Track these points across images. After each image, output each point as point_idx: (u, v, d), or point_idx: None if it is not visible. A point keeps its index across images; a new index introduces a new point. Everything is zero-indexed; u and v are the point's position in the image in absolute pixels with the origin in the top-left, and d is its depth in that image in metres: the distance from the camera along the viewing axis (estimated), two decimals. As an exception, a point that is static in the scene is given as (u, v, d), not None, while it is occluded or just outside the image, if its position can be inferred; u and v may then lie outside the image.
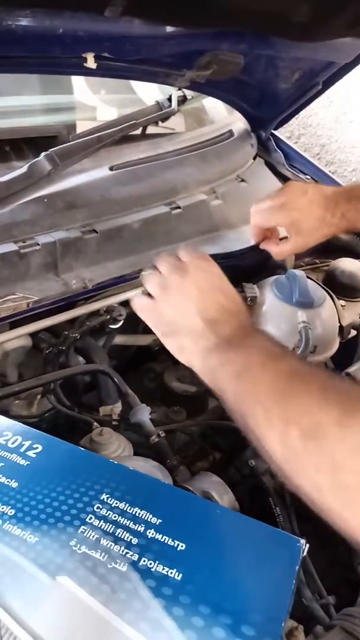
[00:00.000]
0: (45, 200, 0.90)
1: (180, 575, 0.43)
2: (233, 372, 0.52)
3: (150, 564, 0.44)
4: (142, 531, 0.47)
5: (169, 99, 1.12)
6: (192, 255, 0.65)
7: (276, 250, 0.92)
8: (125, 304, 0.82)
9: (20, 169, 0.87)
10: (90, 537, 0.46)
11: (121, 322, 0.85)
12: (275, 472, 0.48)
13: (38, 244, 0.84)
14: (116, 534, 0.47)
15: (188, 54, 0.89)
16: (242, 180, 1.20)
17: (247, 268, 1.03)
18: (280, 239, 0.92)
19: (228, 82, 1.04)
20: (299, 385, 0.48)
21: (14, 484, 0.51)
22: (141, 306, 0.66)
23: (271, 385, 0.48)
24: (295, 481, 0.44)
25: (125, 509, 0.49)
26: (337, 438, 0.41)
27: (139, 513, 0.48)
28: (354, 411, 0.42)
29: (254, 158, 1.28)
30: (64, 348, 0.81)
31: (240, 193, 1.16)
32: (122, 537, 0.46)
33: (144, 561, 0.44)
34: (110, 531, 0.47)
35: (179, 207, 1.03)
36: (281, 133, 1.38)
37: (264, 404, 0.47)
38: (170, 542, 0.46)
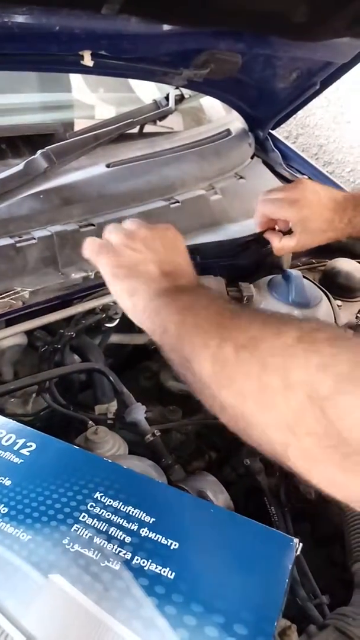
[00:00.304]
0: (42, 196, 0.90)
1: (173, 573, 0.43)
2: (178, 307, 0.54)
3: (143, 562, 0.44)
4: (135, 530, 0.47)
5: (167, 98, 1.12)
6: (163, 224, 0.67)
7: (278, 244, 0.91)
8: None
9: (17, 166, 0.87)
10: (84, 536, 0.46)
11: (117, 320, 0.85)
12: (196, 393, 0.49)
13: (34, 238, 0.83)
14: (109, 533, 0.47)
15: (185, 52, 0.89)
16: (241, 177, 1.20)
17: (243, 267, 1.03)
18: (284, 234, 0.91)
19: (226, 81, 1.04)
20: (239, 314, 0.50)
21: (7, 482, 0.51)
22: (98, 246, 0.64)
23: (214, 315, 0.50)
24: (220, 395, 0.45)
25: (118, 507, 0.49)
26: (269, 344, 0.42)
27: (133, 512, 0.48)
28: (285, 325, 0.44)
29: (252, 157, 1.28)
30: (59, 346, 0.81)
31: (239, 189, 1.16)
32: (116, 535, 0.46)
33: (137, 560, 0.44)
34: (104, 529, 0.47)
35: (177, 202, 1.03)
36: (279, 133, 1.38)
37: (204, 327, 0.49)
38: (163, 541, 0.46)
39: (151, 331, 0.56)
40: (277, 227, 0.93)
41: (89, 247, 0.65)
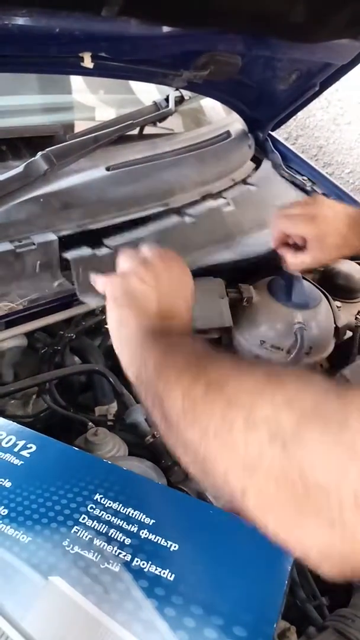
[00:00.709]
0: (41, 200, 0.90)
1: (173, 575, 0.43)
2: (161, 346, 0.53)
3: (143, 564, 0.44)
4: (135, 531, 0.47)
5: (166, 99, 1.12)
6: (176, 256, 0.67)
7: (293, 260, 0.90)
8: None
9: (17, 168, 0.87)
10: (83, 537, 0.46)
11: (117, 322, 0.85)
12: (162, 434, 0.48)
13: (34, 244, 0.83)
14: (109, 534, 0.47)
15: (185, 54, 0.89)
16: (252, 185, 1.19)
17: (243, 269, 1.03)
18: (297, 249, 0.90)
19: (225, 83, 1.04)
20: (219, 356, 0.50)
21: (8, 484, 0.51)
22: (108, 277, 0.66)
23: (193, 356, 0.49)
24: (184, 433, 0.44)
25: (118, 509, 0.49)
26: (238, 382, 0.42)
27: (133, 513, 0.48)
28: (260, 364, 0.45)
29: (253, 160, 1.29)
30: (59, 348, 0.81)
31: (250, 198, 1.16)
32: (115, 537, 0.46)
33: (137, 561, 0.44)
34: (104, 531, 0.47)
35: (191, 216, 1.03)
36: (279, 134, 1.38)
37: (180, 366, 0.48)
38: (163, 543, 0.46)
39: (129, 364, 0.56)
40: (290, 242, 0.92)
41: (103, 280, 0.66)
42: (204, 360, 0.48)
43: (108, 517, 0.48)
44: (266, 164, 1.30)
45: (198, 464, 0.42)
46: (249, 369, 0.44)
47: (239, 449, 0.38)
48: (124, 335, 0.58)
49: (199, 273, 0.93)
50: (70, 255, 0.86)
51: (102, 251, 0.90)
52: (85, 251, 0.88)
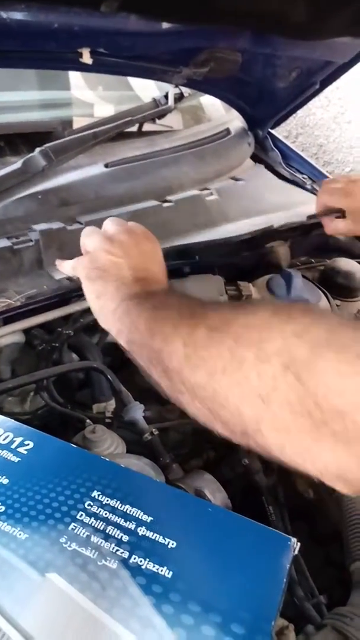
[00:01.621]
0: (40, 196, 0.89)
1: (171, 573, 0.43)
2: (149, 305, 0.53)
3: (141, 561, 0.44)
4: (133, 529, 0.47)
5: (166, 96, 1.12)
6: (140, 226, 0.67)
7: (329, 225, 1.01)
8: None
9: (15, 164, 0.87)
10: (81, 534, 0.46)
11: (115, 319, 0.85)
12: (163, 390, 0.49)
13: (31, 240, 0.83)
14: (107, 532, 0.46)
15: (185, 51, 0.89)
16: (239, 180, 1.19)
17: (242, 266, 1.03)
18: (337, 217, 1.01)
19: (225, 80, 1.04)
20: (211, 304, 0.51)
21: (5, 481, 0.51)
22: (74, 260, 0.66)
23: (186, 307, 0.49)
24: (191, 378, 0.44)
25: (116, 506, 0.49)
26: (243, 322, 0.42)
27: (130, 510, 0.48)
28: (259, 305, 0.45)
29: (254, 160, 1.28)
30: (57, 345, 0.81)
31: (237, 191, 1.16)
32: (113, 534, 0.46)
33: (135, 559, 0.44)
34: (101, 528, 0.47)
35: (170, 202, 1.03)
36: (279, 132, 1.38)
37: (175, 318, 0.48)
38: (161, 540, 0.46)
39: (118, 332, 0.56)
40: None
41: (70, 263, 0.66)
42: (199, 309, 0.48)
43: (105, 514, 0.48)
44: (258, 164, 1.29)
45: (207, 404, 0.43)
46: (252, 308, 0.44)
47: (252, 381, 0.39)
48: (105, 307, 0.58)
49: (196, 271, 0.93)
50: (38, 227, 0.86)
51: (73, 226, 0.89)
52: (55, 224, 0.88)
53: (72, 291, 0.83)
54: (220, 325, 0.43)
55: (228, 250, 1.01)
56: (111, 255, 0.61)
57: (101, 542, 0.45)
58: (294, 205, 1.16)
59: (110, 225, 0.66)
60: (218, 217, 1.08)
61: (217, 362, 0.42)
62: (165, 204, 1.02)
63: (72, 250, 0.85)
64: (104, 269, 0.61)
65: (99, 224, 0.67)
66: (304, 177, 1.29)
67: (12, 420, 0.59)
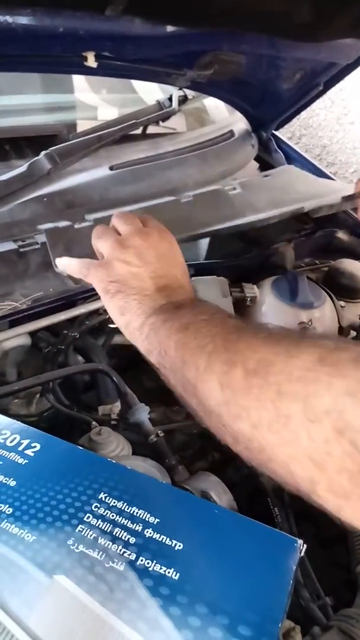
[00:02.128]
0: (45, 199, 0.90)
1: (178, 574, 0.43)
2: (177, 325, 0.49)
3: (148, 563, 0.44)
4: (139, 530, 0.47)
5: (170, 99, 1.12)
6: (155, 223, 0.62)
7: None
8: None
9: (20, 167, 0.87)
10: (88, 536, 0.46)
11: (121, 321, 0.85)
12: (203, 426, 0.46)
13: (37, 243, 0.84)
14: (114, 533, 0.47)
15: (189, 53, 0.89)
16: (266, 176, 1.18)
17: (246, 268, 1.03)
18: None
19: (229, 82, 1.04)
20: (246, 332, 0.45)
21: (12, 483, 0.51)
22: (87, 263, 0.61)
23: (218, 334, 0.46)
24: (233, 426, 0.41)
25: (123, 508, 0.49)
26: (283, 368, 0.38)
27: (137, 512, 0.48)
28: (300, 344, 0.39)
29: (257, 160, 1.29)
30: (63, 347, 0.81)
31: (262, 184, 1.14)
32: (120, 536, 0.46)
33: (142, 560, 0.44)
34: (108, 530, 0.47)
35: (188, 196, 0.99)
36: (282, 134, 1.38)
37: (208, 348, 0.44)
38: (167, 542, 0.46)
39: (147, 351, 0.53)
40: None
41: (78, 266, 0.62)
42: (231, 338, 0.44)
43: (112, 516, 0.48)
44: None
45: (254, 454, 0.41)
46: (295, 349, 0.39)
47: (302, 441, 0.35)
48: (131, 324, 0.55)
49: (201, 272, 0.93)
50: (44, 226, 0.85)
51: (82, 224, 0.88)
52: (62, 223, 0.87)
53: (78, 294, 0.84)
54: (258, 368, 0.39)
55: (253, 235, 0.99)
56: (128, 265, 0.56)
57: (108, 544, 0.46)
58: (326, 194, 1.11)
59: (121, 224, 0.61)
60: (243, 208, 1.02)
61: (262, 415, 0.38)
62: (184, 199, 0.99)
63: (80, 250, 0.84)
64: (122, 282, 0.56)
65: (109, 222, 0.64)
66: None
67: (19, 422, 0.59)
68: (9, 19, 0.64)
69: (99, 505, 0.49)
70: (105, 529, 0.47)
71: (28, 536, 0.46)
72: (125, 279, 0.56)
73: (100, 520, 0.48)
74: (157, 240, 0.59)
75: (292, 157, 1.33)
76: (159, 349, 0.50)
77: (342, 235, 1.19)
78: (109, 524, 0.47)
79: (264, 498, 0.68)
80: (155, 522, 0.47)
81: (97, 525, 0.47)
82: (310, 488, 0.37)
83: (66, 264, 0.65)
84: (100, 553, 0.45)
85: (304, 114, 1.31)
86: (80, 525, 0.47)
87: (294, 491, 0.39)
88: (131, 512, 0.48)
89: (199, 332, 0.47)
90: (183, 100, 1.13)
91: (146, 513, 0.48)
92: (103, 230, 0.61)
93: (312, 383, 0.36)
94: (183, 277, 0.59)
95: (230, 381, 0.41)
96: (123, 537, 0.46)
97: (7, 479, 0.51)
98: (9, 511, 0.48)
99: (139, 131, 1.15)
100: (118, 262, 0.57)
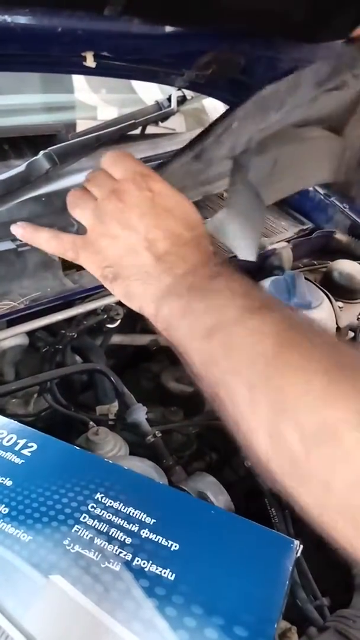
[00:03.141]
0: (43, 199, 0.90)
1: (174, 575, 0.43)
2: (200, 328, 0.39)
3: (144, 563, 0.44)
4: (136, 531, 0.47)
5: (169, 99, 1.12)
6: (124, 163, 0.47)
7: None
8: (123, 303, 0.82)
9: (19, 167, 0.87)
10: (84, 536, 0.46)
11: (118, 321, 0.85)
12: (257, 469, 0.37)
13: (36, 243, 0.83)
14: (110, 534, 0.46)
15: (188, 53, 0.89)
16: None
17: (244, 268, 1.03)
18: None
19: (228, 83, 1.04)
20: (292, 354, 0.35)
21: (8, 482, 0.51)
22: (71, 242, 0.48)
23: (255, 354, 0.36)
24: (291, 490, 0.34)
25: (119, 508, 0.49)
26: (356, 446, 0.30)
27: (133, 513, 0.48)
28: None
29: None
30: (61, 347, 0.81)
31: None
32: (116, 536, 0.46)
33: (138, 561, 0.44)
34: (104, 530, 0.47)
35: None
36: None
37: (246, 377, 0.35)
38: (164, 542, 0.46)
39: (171, 346, 0.43)
40: None
41: (59, 243, 0.49)
42: (277, 364, 0.35)
43: (109, 516, 0.48)
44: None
45: (314, 519, 0.35)
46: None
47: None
48: (144, 310, 0.45)
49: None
50: None
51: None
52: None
53: (76, 294, 0.84)
54: (319, 434, 0.32)
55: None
56: (114, 240, 0.45)
57: (104, 544, 0.46)
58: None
59: (91, 185, 0.47)
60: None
61: (327, 497, 0.33)
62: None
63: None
64: (116, 263, 0.45)
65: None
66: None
67: (16, 422, 0.59)
68: (7, 18, 0.63)
69: (95, 506, 0.49)
70: (102, 530, 0.47)
71: (24, 536, 0.46)
72: (117, 259, 0.45)
73: (96, 520, 0.48)
74: (132, 191, 0.45)
75: (291, 158, 1.33)
76: (182, 351, 0.41)
77: (340, 236, 1.19)
78: (105, 524, 0.47)
79: (261, 498, 0.68)
80: (151, 523, 0.47)
81: (93, 525, 0.47)
82: None
83: (32, 233, 0.51)
84: (96, 553, 0.45)
85: (302, 114, 1.30)
86: (76, 526, 0.47)
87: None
88: (127, 512, 0.48)
89: (230, 347, 0.37)
90: (182, 100, 1.13)
91: (142, 513, 0.48)
92: (79, 195, 0.48)
93: None
94: (181, 225, 0.45)
95: (284, 443, 0.33)
96: (119, 538, 0.46)
97: (4, 479, 0.51)
98: (4, 511, 0.48)
99: (138, 131, 1.15)
100: (102, 238, 0.46)
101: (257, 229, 0.83)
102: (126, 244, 0.45)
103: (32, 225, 0.51)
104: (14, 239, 0.83)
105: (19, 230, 0.51)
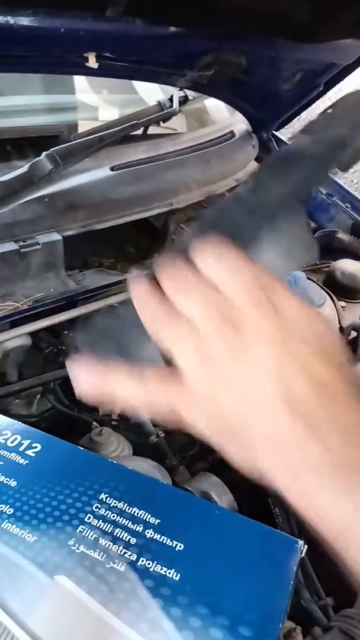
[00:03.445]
0: (46, 200, 0.90)
1: (179, 575, 0.43)
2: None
3: (149, 564, 0.44)
4: (140, 531, 0.47)
5: (171, 99, 1.12)
6: (236, 269, 0.31)
7: None
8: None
9: (21, 168, 0.87)
10: (89, 537, 0.46)
11: (121, 322, 0.85)
12: None
13: (38, 244, 0.84)
14: (115, 534, 0.47)
15: (190, 54, 0.89)
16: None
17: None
18: None
19: (230, 83, 1.04)
20: None
21: (13, 483, 0.51)
22: (163, 391, 0.32)
23: None
24: None
25: (124, 508, 0.49)
26: None
27: (138, 513, 0.48)
28: None
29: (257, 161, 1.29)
30: (64, 347, 0.81)
31: None
32: (121, 536, 0.46)
33: (143, 561, 0.44)
34: (109, 531, 0.47)
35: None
36: (283, 134, 1.38)
37: None
38: (168, 542, 0.46)
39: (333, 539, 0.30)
40: None
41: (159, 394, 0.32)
42: None
43: (113, 516, 0.48)
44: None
45: None
46: None
47: None
48: (313, 502, 0.31)
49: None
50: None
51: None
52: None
53: (79, 294, 0.84)
54: None
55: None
56: (225, 390, 0.30)
57: (109, 545, 0.46)
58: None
59: (218, 269, 0.31)
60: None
61: None
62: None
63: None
64: (227, 418, 0.30)
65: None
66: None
67: (20, 423, 0.59)
68: (10, 19, 0.64)
69: (99, 506, 0.49)
70: (106, 530, 0.47)
71: (29, 537, 0.46)
72: (231, 413, 0.30)
73: (101, 520, 0.48)
74: (262, 321, 0.30)
75: (293, 158, 1.33)
76: (316, 519, 0.30)
77: (342, 235, 1.18)
78: (109, 525, 0.47)
79: (265, 498, 0.68)
80: (156, 523, 0.47)
81: (98, 525, 0.47)
82: None
83: (96, 382, 0.35)
84: (101, 554, 0.45)
85: (304, 114, 1.30)
86: (81, 526, 0.47)
87: None
88: (132, 512, 0.48)
89: None
90: (184, 100, 1.13)
91: (147, 514, 0.48)
92: (166, 316, 0.31)
93: None
94: (326, 364, 0.30)
95: None
96: (124, 538, 0.46)
97: (8, 480, 0.51)
98: (9, 511, 0.48)
99: (139, 132, 1.15)
100: (205, 385, 0.30)
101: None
102: (247, 394, 0.30)
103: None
104: (16, 239, 0.84)
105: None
